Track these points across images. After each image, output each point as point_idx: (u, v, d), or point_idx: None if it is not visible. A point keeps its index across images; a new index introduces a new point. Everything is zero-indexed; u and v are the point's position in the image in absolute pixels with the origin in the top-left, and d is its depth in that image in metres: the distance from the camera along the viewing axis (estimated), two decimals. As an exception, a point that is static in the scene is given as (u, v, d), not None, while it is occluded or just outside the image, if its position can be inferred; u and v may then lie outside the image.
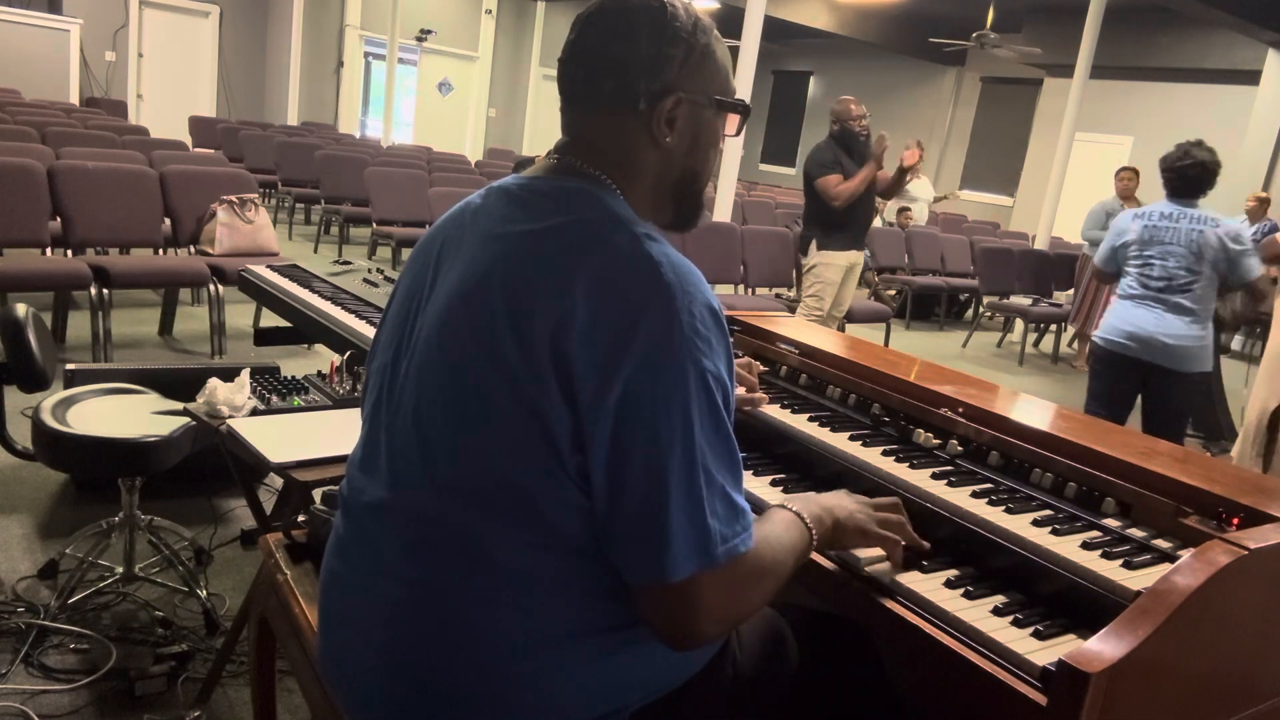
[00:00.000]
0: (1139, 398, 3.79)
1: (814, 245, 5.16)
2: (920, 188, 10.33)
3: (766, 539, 1.09)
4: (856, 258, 5.25)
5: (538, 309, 0.97)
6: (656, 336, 0.96)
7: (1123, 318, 3.68)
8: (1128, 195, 7.06)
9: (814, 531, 1.17)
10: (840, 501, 1.26)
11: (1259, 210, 8.12)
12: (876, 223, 8.98)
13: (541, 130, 16.88)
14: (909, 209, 10.02)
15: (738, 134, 1.20)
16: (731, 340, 2.07)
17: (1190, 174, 3.55)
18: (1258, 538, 1.13)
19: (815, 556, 1.24)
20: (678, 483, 0.95)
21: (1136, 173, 7.15)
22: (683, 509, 0.95)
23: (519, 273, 1.01)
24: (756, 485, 1.50)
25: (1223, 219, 3.59)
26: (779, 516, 1.17)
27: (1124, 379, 3.73)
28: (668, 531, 0.95)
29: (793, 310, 5.46)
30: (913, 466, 1.48)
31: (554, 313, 0.96)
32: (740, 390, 1.70)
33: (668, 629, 1.00)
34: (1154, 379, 3.64)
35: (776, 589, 1.09)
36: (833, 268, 5.14)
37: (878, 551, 1.27)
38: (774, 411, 1.70)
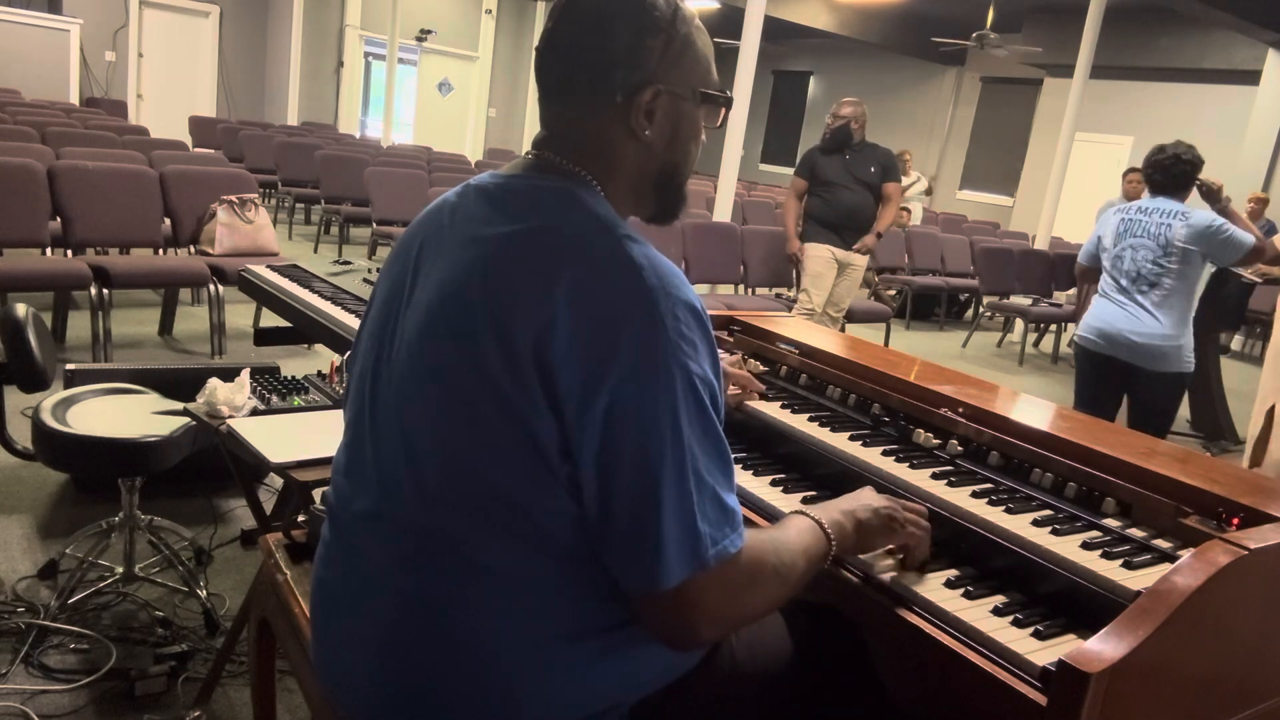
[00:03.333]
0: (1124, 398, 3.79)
1: (801, 238, 5.32)
2: (914, 187, 10.30)
3: (770, 541, 1.07)
4: (846, 256, 5.27)
5: (519, 316, 0.96)
6: (641, 343, 0.94)
7: (1096, 315, 3.69)
8: (1134, 197, 7.06)
9: (832, 536, 1.15)
10: (863, 501, 1.24)
11: (1258, 211, 8.13)
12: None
13: (541, 130, 16.85)
14: (907, 209, 10.01)
15: (720, 125, 1.18)
16: (731, 338, 2.07)
17: (1165, 166, 3.54)
18: (1258, 538, 1.13)
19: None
20: (668, 489, 0.94)
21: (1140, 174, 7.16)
22: (674, 515, 0.94)
23: (499, 279, 0.99)
24: (756, 485, 1.50)
25: (1193, 212, 3.55)
26: (793, 522, 1.16)
27: (1105, 379, 3.72)
28: (660, 539, 0.94)
29: (791, 309, 5.50)
30: (913, 466, 1.48)
31: (536, 320, 0.95)
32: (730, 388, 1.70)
33: (665, 633, 1.00)
34: (1132, 378, 3.63)
35: (784, 593, 1.07)
36: (818, 260, 5.20)
37: (929, 580, 1.25)
38: (774, 411, 1.70)
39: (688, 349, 0.96)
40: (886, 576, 1.24)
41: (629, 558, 0.96)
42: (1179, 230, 3.48)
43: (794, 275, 5.42)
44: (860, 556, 1.27)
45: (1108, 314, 3.63)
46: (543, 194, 1.07)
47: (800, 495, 1.48)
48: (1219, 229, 3.45)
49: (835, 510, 1.20)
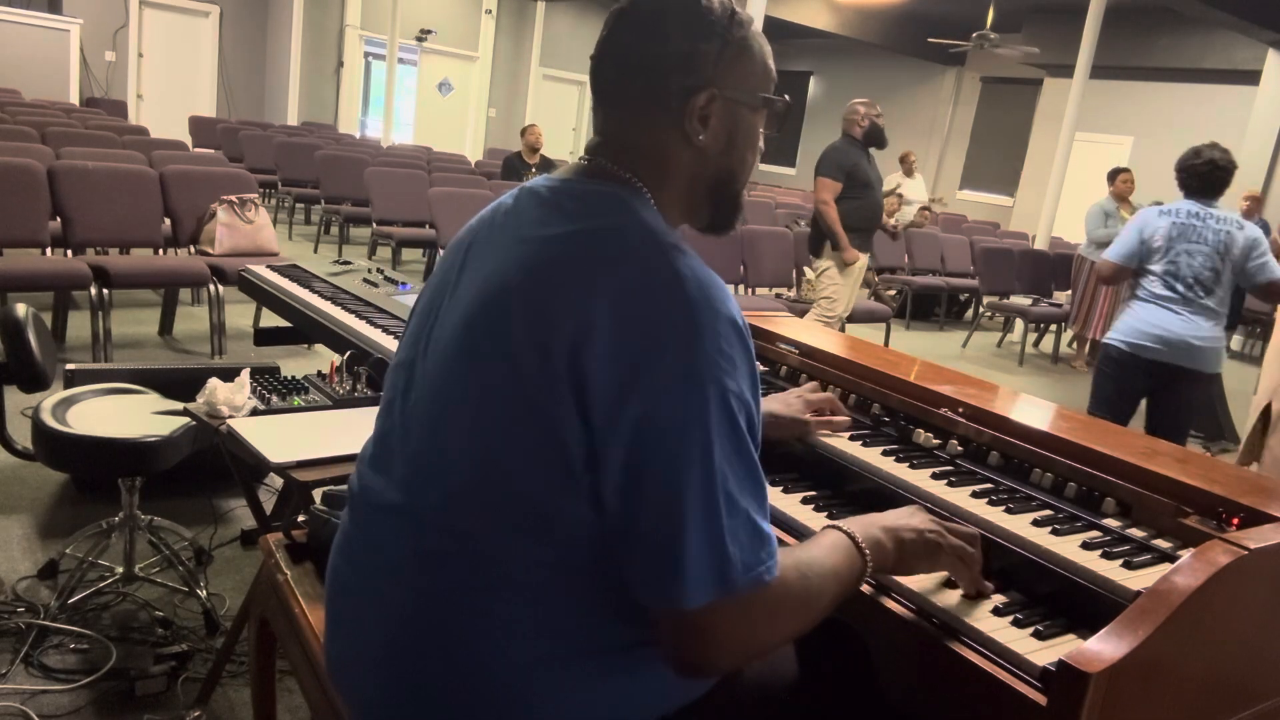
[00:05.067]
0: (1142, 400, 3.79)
1: (828, 246, 5.11)
2: (914, 189, 10.29)
3: (797, 565, 1.01)
4: (864, 259, 5.28)
5: (557, 320, 0.94)
6: (677, 355, 0.92)
7: (1147, 320, 3.63)
8: (1124, 196, 7.05)
9: (869, 555, 1.10)
10: (906, 521, 1.18)
11: (1252, 209, 8.14)
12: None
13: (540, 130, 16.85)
14: (928, 208, 10.01)
15: (779, 132, 1.17)
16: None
17: (1201, 172, 3.56)
18: (1258, 538, 1.12)
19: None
20: (694, 506, 0.91)
21: (1132, 174, 7.17)
22: (700, 534, 0.91)
23: (540, 280, 0.98)
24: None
25: (1247, 224, 3.61)
26: (826, 539, 1.10)
27: (1137, 382, 3.70)
28: (683, 556, 0.91)
29: (792, 311, 5.46)
30: (913, 466, 1.47)
31: (573, 325, 0.93)
32: (804, 412, 1.60)
33: (677, 656, 0.96)
34: (1170, 380, 3.62)
35: (810, 620, 1.02)
36: (855, 269, 5.15)
37: (929, 580, 1.22)
38: (774, 411, 1.70)
39: (726, 365, 0.94)
40: (952, 608, 1.19)
41: (649, 572, 0.94)
42: (1237, 238, 3.54)
43: (794, 277, 5.32)
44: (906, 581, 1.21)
45: (1163, 319, 3.59)
46: (592, 198, 1.06)
47: (800, 495, 1.48)
48: (1263, 252, 3.55)
49: (876, 527, 1.14)
